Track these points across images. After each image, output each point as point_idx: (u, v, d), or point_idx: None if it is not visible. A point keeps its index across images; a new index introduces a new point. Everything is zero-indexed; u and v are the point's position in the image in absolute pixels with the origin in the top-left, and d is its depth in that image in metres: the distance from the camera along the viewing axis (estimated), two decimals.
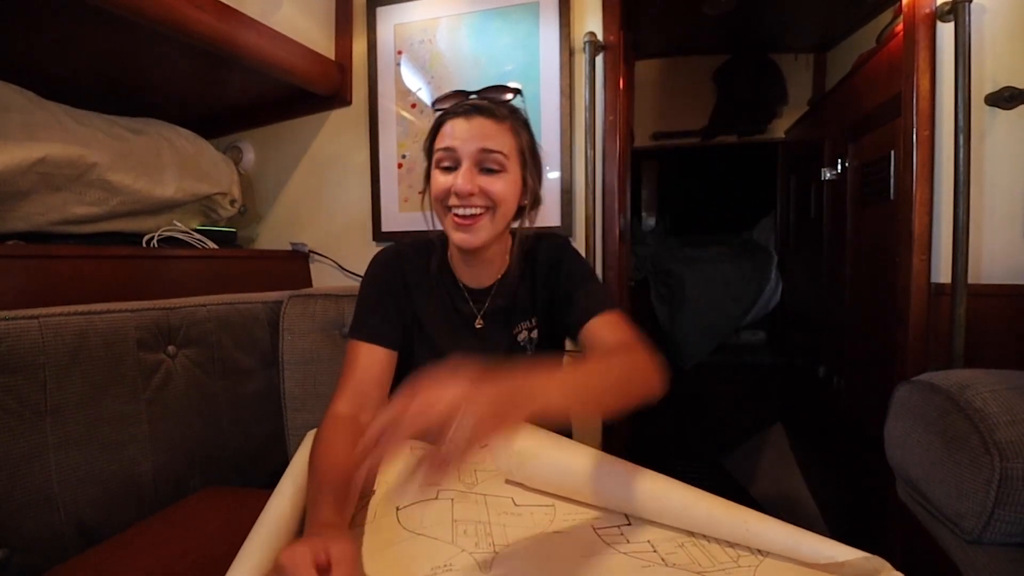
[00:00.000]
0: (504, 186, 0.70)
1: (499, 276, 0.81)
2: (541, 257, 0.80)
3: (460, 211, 0.69)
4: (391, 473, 0.67)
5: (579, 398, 0.50)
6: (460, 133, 0.69)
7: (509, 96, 0.73)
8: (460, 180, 0.68)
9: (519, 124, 0.73)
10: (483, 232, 0.71)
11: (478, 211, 0.69)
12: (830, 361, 1.69)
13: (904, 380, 0.80)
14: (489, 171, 0.70)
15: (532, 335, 0.80)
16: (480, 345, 0.79)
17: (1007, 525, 0.61)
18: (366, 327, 0.75)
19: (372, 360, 0.73)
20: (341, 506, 0.54)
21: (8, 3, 0.86)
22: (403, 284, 0.81)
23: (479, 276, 0.80)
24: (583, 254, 1.23)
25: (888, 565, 0.45)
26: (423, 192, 0.77)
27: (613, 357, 0.63)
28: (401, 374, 0.85)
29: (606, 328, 0.72)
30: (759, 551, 0.50)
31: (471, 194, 0.68)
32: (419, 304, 0.81)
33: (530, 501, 0.61)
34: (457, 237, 0.71)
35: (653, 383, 0.60)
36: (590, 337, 0.72)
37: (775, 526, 0.50)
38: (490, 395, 0.39)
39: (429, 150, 0.74)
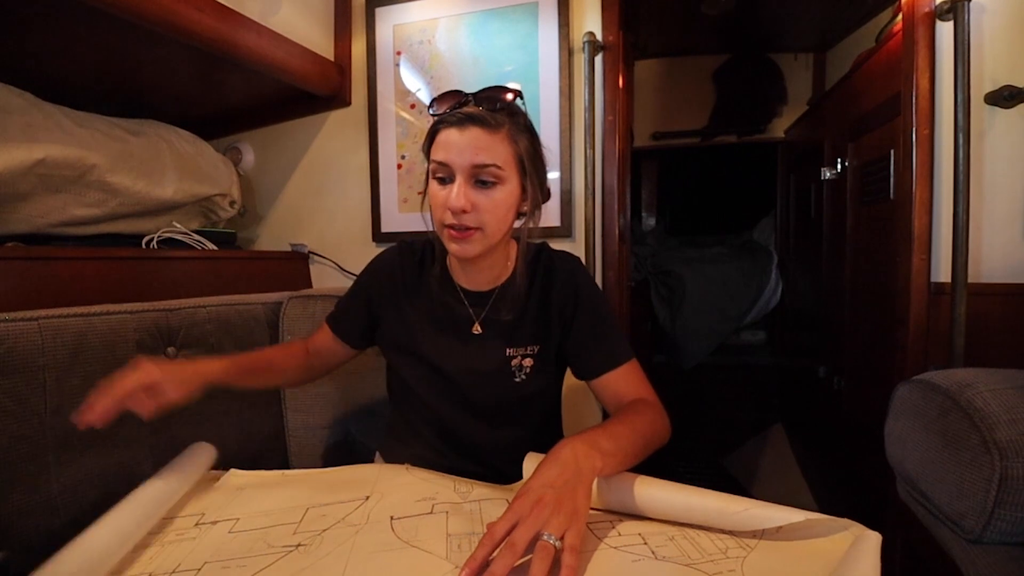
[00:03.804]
0: (500, 198, 0.68)
1: (500, 282, 0.78)
2: (556, 282, 0.77)
3: (455, 225, 0.67)
4: (389, 484, 0.67)
5: (616, 463, 0.57)
6: (454, 145, 0.66)
7: (509, 97, 0.69)
8: (453, 197, 0.65)
9: (517, 129, 0.69)
10: (477, 245, 0.69)
11: (471, 226, 0.67)
12: (830, 361, 1.69)
13: (904, 379, 0.79)
14: (483, 184, 0.67)
15: (524, 362, 0.77)
16: (471, 354, 0.77)
17: (1007, 524, 0.61)
18: (336, 319, 0.85)
19: (327, 342, 0.85)
20: (229, 370, 0.71)
21: (8, 3, 0.86)
22: (388, 292, 0.80)
23: (478, 280, 0.78)
24: (583, 256, 1.24)
25: (855, 523, 0.52)
26: (423, 193, 0.75)
27: (636, 418, 0.66)
28: (392, 380, 0.86)
29: (624, 381, 0.74)
30: (746, 544, 0.52)
31: (464, 211, 0.66)
32: (406, 310, 0.79)
33: None
34: (453, 248, 0.69)
35: (665, 437, 0.68)
36: (607, 388, 0.74)
37: (761, 508, 0.53)
38: (557, 504, 0.48)
39: (426, 156, 0.72)
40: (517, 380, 0.76)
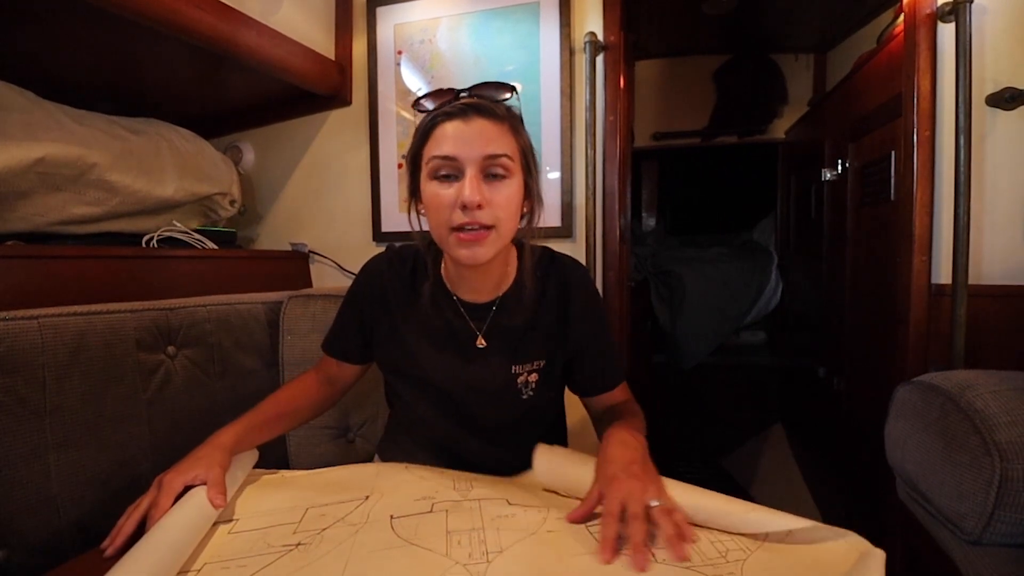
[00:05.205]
0: (511, 193, 0.63)
1: (502, 292, 0.73)
2: (564, 292, 0.73)
3: (467, 226, 0.61)
4: (388, 483, 0.67)
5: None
6: (460, 138, 0.60)
7: (507, 95, 0.65)
8: (467, 191, 0.59)
9: (517, 123, 0.66)
10: (490, 247, 0.62)
11: (486, 224, 0.61)
12: (830, 361, 1.69)
13: (904, 381, 0.79)
14: (495, 177, 0.62)
15: (531, 378, 0.73)
16: (474, 372, 0.72)
17: (1007, 526, 0.61)
18: (331, 342, 0.81)
19: (333, 368, 0.82)
20: (245, 433, 0.70)
21: (8, 2, 0.86)
22: (379, 306, 0.75)
23: (479, 290, 0.72)
24: (583, 256, 1.24)
25: (858, 536, 0.52)
26: (410, 202, 0.69)
27: (637, 420, 0.72)
28: (390, 391, 0.85)
29: (614, 397, 0.79)
30: (746, 547, 0.52)
31: (480, 206, 0.60)
32: (400, 326, 0.74)
33: (523, 500, 0.61)
34: (462, 254, 0.62)
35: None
36: (599, 403, 0.79)
37: (761, 513, 0.55)
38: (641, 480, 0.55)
39: (416, 157, 0.65)
40: (524, 397, 0.73)
